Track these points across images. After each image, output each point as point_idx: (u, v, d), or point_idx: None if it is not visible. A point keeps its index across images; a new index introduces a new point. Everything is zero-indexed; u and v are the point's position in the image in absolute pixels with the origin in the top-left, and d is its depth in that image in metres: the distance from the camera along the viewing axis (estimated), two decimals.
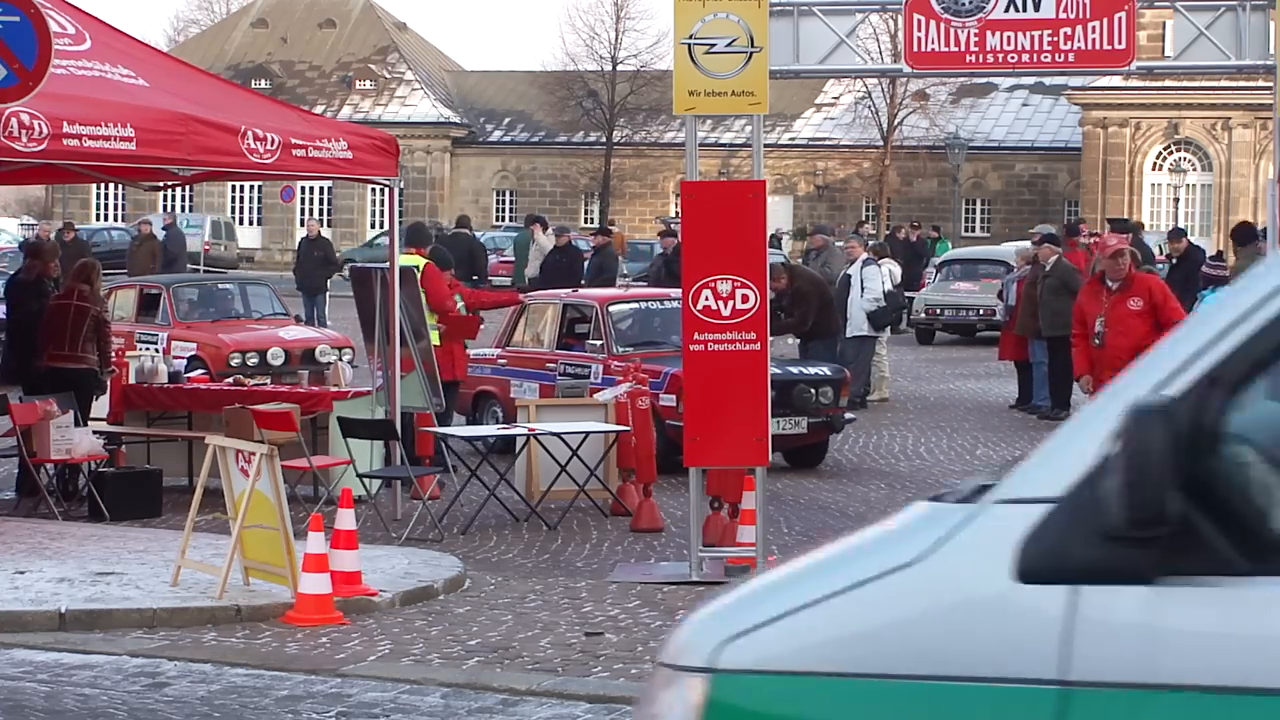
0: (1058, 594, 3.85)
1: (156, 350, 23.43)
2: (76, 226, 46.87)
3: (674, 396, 17.85)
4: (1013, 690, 3.85)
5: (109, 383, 17.13)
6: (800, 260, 43.77)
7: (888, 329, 25.93)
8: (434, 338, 17.57)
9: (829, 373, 19.67)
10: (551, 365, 19.68)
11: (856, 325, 24.37)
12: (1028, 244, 26.72)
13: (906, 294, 32.80)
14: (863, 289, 24.72)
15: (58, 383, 16.27)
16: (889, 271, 26.33)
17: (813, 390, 19.10)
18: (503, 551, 14.87)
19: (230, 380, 19.13)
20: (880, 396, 25.53)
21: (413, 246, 19.23)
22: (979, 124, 70.19)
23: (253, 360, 24.44)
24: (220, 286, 28.14)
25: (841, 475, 18.87)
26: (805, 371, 19.63)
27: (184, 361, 22.34)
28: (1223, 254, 23.66)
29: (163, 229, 42.34)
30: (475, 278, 32.16)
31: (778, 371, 18.62)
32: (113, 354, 17.24)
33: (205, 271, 45.06)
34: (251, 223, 74.85)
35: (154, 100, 14.25)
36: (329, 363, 23.70)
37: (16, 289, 18.01)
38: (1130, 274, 15.63)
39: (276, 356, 24.70)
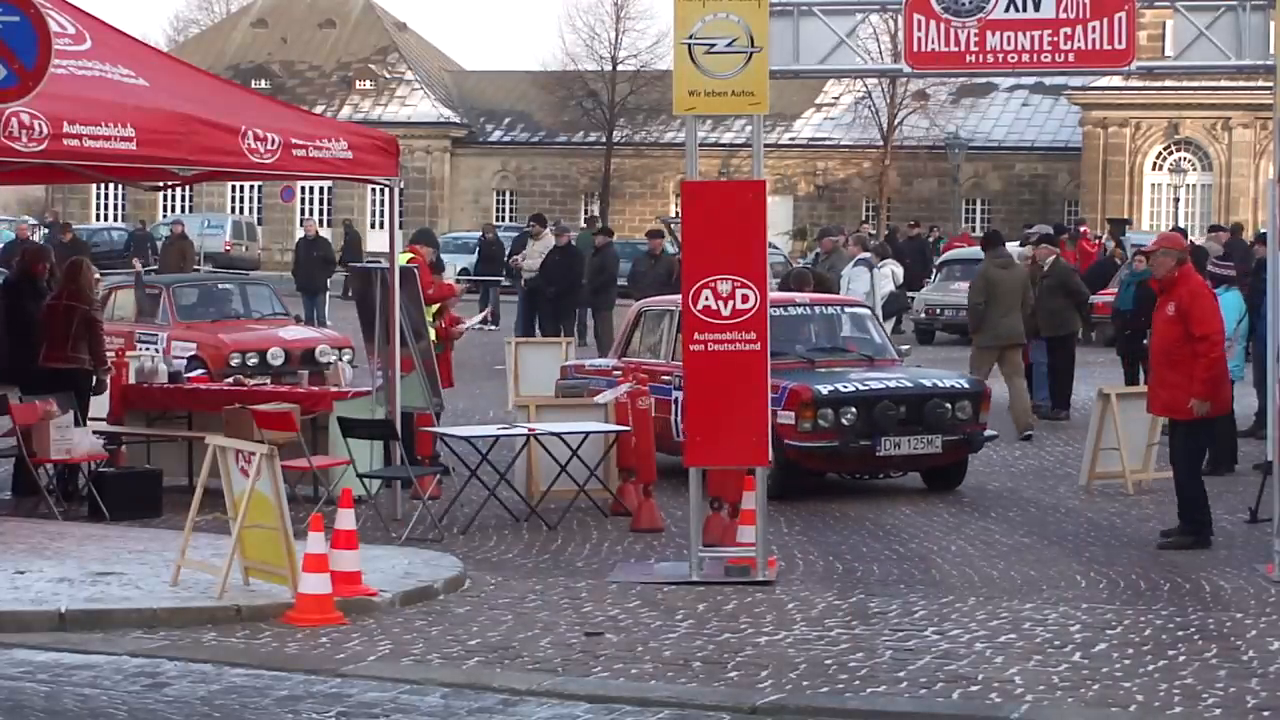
0: None
1: (156, 350, 23.42)
2: (75, 226, 47.01)
3: (792, 414, 16.96)
4: None
5: (108, 382, 17.09)
6: (800, 261, 43.80)
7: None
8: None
9: (966, 385, 18.08)
10: (668, 377, 17.70)
11: None
12: (1026, 248, 26.65)
13: (908, 293, 32.77)
14: (848, 291, 24.72)
15: (53, 383, 16.23)
16: (891, 272, 26.28)
17: (948, 405, 17.52)
18: (503, 551, 14.87)
19: (230, 380, 19.11)
20: None
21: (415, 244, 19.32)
22: (979, 124, 70.14)
23: (252, 360, 24.35)
24: (220, 286, 27.95)
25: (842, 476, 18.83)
26: (940, 384, 17.88)
27: (184, 361, 22.30)
28: (1229, 254, 23.69)
29: (46, 228, 42.27)
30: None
31: (909, 384, 17.68)
32: (106, 352, 17.13)
33: (210, 271, 45.14)
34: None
35: (154, 100, 14.25)
36: (329, 363, 23.67)
37: (8, 288, 17.95)
38: (1170, 277, 14.84)
39: (276, 356, 24.62)
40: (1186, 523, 14.95)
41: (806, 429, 17.01)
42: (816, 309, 19.11)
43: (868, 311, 19.52)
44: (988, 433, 18.19)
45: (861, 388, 17.44)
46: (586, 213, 67.22)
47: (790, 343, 18.06)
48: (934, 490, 17.96)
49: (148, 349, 23.40)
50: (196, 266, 44.91)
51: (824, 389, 17.12)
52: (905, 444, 17.38)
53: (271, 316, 26.36)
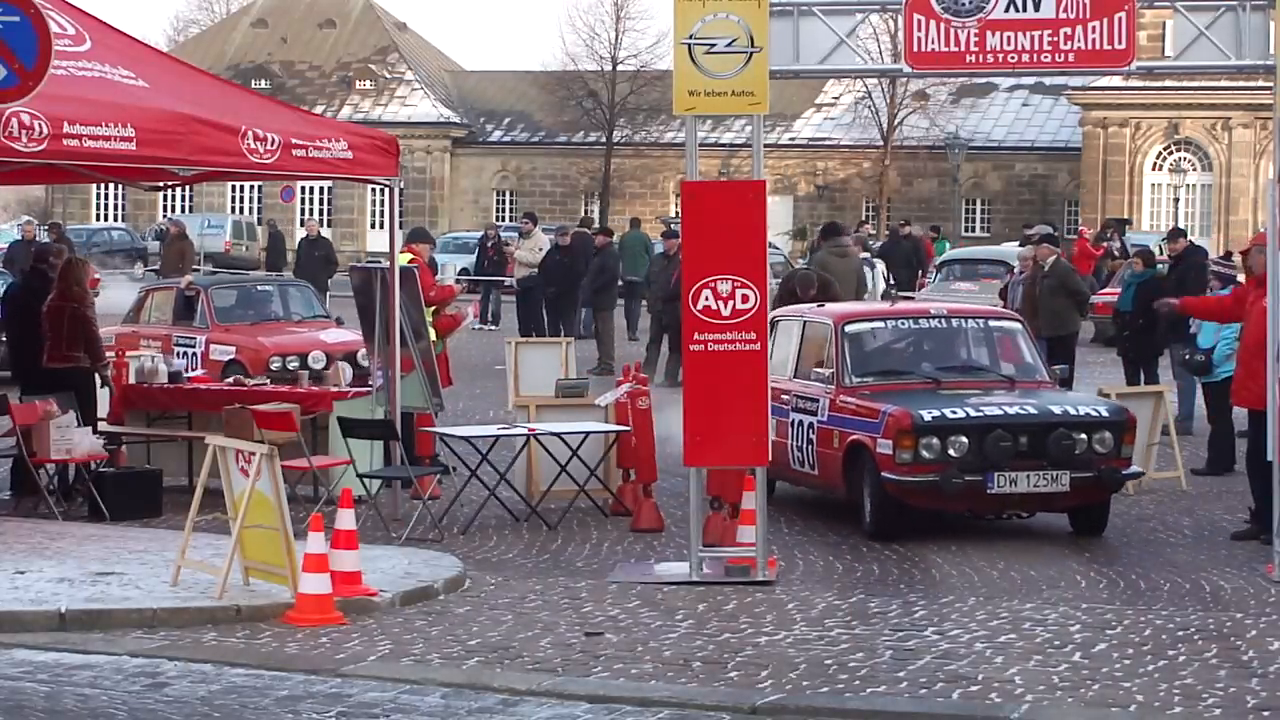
0: None
1: (194, 354, 23.12)
2: (70, 226, 47.11)
3: (890, 443, 14.87)
4: None
5: (110, 379, 17.08)
6: (800, 262, 43.78)
7: None
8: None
9: (1106, 414, 15.40)
10: (786, 397, 16.07)
11: None
12: (1027, 248, 26.67)
13: (904, 294, 32.75)
14: None
15: (53, 383, 16.24)
16: (881, 272, 26.38)
17: (1082, 435, 15.04)
18: (503, 551, 14.88)
19: (230, 380, 19.10)
20: None
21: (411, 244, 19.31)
22: (979, 124, 70.17)
23: (293, 363, 23.28)
24: (259, 288, 27.12)
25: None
26: (1072, 411, 15.35)
27: (184, 362, 22.17)
28: (1231, 254, 23.69)
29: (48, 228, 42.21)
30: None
31: (1033, 411, 15.30)
32: (102, 349, 17.08)
33: (210, 272, 45.12)
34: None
35: (154, 100, 14.25)
36: (369, 366, 23.41)
37: (19, 289, 17.94)
38: (1265, 271, 14.46)
39: (318, 360, 23.38)
40: (1262, 513, 14.94)
41: (906, 460, 14.86)
42: (955, 322, 16.74)
43: (1019, 326, 16.92)
44: (1130, 469, 15.62)
45: (973, 414, 15.06)
46: (586, 214, 67.23)
47: (917, 360, 16.37)
48: (1078, 530, 15.68)
49: (186, 353, 23.05)
50: (196, 267, 44.93)
51: (927, 415, 14.94)
52: (1023, 480, 14.96)
53: (312, 319, 25.49)
